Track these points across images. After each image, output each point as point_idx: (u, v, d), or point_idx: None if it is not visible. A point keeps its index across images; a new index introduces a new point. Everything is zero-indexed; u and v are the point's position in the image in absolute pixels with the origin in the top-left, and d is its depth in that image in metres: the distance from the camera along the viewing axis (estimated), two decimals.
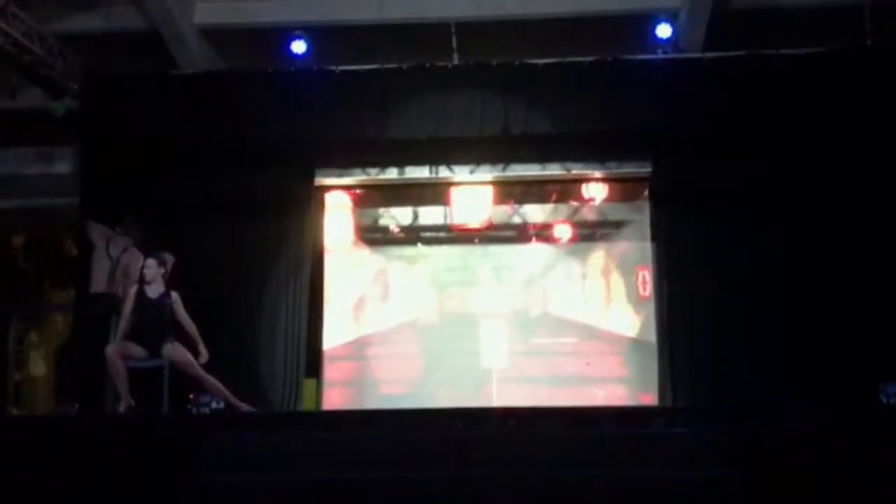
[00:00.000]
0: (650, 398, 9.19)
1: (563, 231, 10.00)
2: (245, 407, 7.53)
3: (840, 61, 9.05)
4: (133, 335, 7.34)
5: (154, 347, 7.29)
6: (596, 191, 9.96)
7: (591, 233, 9.97)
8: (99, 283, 8.10)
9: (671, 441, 5.05)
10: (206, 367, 8.47)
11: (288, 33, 9.43)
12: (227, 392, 7.50)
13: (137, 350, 7.28)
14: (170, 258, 7.58)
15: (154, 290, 7.39)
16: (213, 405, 8.59)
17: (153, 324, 7.33)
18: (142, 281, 7.45)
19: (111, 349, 7.23)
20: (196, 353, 7.36)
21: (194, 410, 8.41)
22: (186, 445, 5.06)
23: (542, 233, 10.02)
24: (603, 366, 9.65)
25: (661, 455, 4.90)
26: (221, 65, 10.18)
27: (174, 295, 7.42)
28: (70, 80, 9.54)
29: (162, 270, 7.45)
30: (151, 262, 7.44)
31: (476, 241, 10.09)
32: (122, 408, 7.16)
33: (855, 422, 5.37)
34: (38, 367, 10.98)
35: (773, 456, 4.97)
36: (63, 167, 10.13)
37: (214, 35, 9.97)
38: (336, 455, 4.95)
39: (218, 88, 9.51)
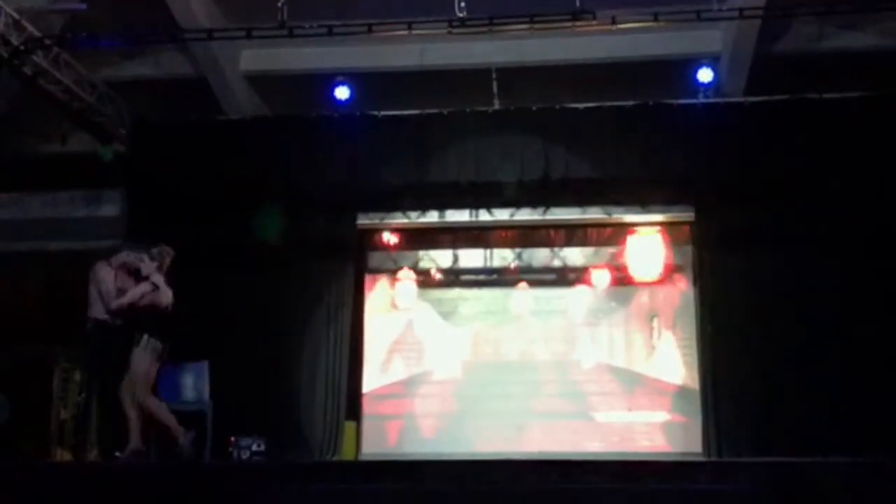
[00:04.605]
0: (695, 447, 9.07)
1: (604, 275, 9.95)
2: (181, 434, 7.00)
3: (883, 106, 8.98)
4: None
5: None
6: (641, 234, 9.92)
7: (629, 277, 9.90)
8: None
9: (715, 497, 4.97)
10: (249, 409, 8.54)
11: (332, 79, 9.58)
12: (170, 418, 7.04)
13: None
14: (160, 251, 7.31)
15: None
16: (254, 448, 8.67)
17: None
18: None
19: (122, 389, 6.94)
20: None
21: (235, 453, 8.48)
22: (231, 497, 5.08)
23: (583, 276, 9.99)
24: (647, 414, 9.55)
25: None
26: (266, 110, 10.36)
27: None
28: (119, 125, 9.77)
29: (155, 264, 7.18)
30: (145, 256, 7.20)
31: (516, 284, 10.09)
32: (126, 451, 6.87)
33: None
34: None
35: None
36: (110, 210, 10.32)
37: (260, 81, 10.18)
38: None
39: (262, 134, 9.68)
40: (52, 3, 8.78)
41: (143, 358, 6.89)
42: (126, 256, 7.29)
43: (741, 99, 9.40)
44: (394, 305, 10.17)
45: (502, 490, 5.11)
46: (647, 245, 9.79)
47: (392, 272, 10.19)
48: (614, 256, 9.95)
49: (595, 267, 9.96)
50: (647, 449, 9.32)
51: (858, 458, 7.14)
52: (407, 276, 10.19)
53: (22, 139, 10.49)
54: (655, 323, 9.78)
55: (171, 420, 6.99)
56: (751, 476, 5.34)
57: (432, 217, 9.90)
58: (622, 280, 9.91)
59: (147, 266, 7.14)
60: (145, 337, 6.91)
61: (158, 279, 7.10)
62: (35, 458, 8.01)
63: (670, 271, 9.79)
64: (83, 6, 8.68)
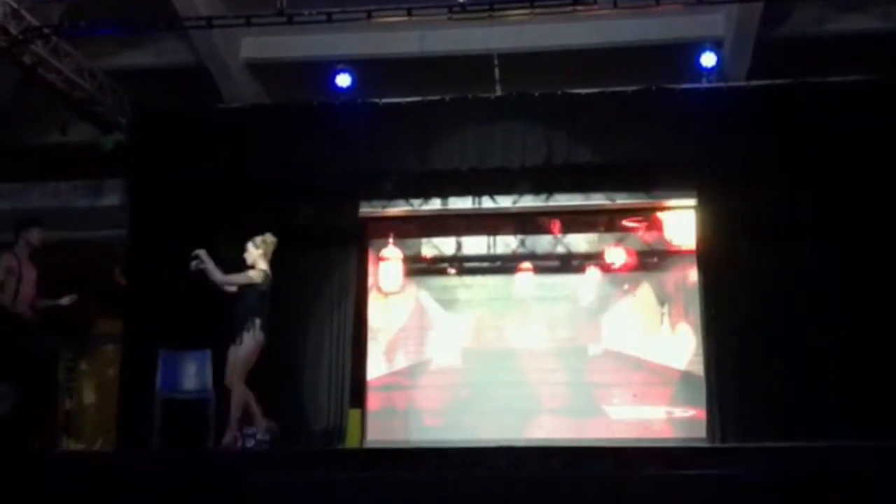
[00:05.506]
0: (700, 433, 9.06)
1: (613, 258, 9.92)
2: (230, 434, 7.39)
3: (887, 88, 8.90)
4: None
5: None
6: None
7: (635, 263, 9.89)
8: None
9: (718, 483, 4.96)
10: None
11: (333, 67, 9.51)
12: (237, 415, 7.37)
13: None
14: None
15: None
16: (259, 437, 8.67)
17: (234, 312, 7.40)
18: None
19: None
20: None
21: (240, 442, 8.48)
22: (232, 484, 5.08)
23: (586, 263, 9.96)
24: (652, 399, 9.54)
25: (708, 498, 4.81)
26: (267, 98, 10.32)
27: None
28: (119, 114, 9.71)
29: (259, 251, 7.50)
30: (249, 245, 7.57)
31: (519, 270, 10.07)
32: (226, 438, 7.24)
33: None
34: (89, 396, 11.17)
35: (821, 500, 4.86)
36: (112, 200, 10.33)
37: (260, 69, 10.14)
38: (381, 495, 4.94)
39: (263, 122, 9.62)
40: None
41: (251, 341, 7.24)
42: (33, 236, 7.46)
43: (744, 83, 9.33)
44: (397, 293, 10.15)
45: (505, 476, 5.10)
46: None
47: (395, 260, 10.18)
48: (618, 241, 9.92)
49: (601, 252, 9.94)
50: (652, 435, 9.31)
51: (864, 443, 7.13)
52: (393, 255, 10.15)
53: (22, 129, 10.46)
54: (665, 309, 9.75)
55: (236, 418, 7.20)
56: (755, 462, 5.34)
57: (435, 205, 9.89)
58: (629, 265, 9.89)
59: (251, 254, 7.45)
60: (258, 321, 7.24)
61: (265, 265, 7.43)
62: (42, 447, 8.07)
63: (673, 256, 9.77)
64: None
